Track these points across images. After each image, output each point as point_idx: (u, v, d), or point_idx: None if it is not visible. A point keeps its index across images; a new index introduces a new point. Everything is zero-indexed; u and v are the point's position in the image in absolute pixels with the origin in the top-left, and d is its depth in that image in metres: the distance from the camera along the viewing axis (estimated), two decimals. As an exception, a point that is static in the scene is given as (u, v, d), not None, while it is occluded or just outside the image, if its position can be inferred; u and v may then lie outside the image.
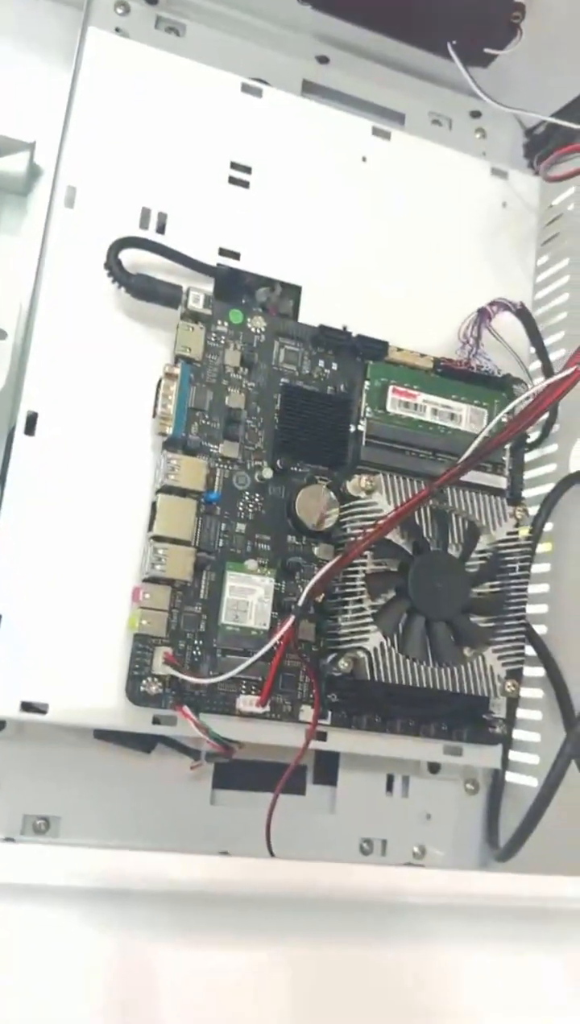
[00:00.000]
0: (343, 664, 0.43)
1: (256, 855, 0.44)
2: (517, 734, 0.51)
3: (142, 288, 0.44)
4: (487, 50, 0.53)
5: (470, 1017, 0.30)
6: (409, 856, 0.52)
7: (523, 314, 0.50)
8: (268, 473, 0.45)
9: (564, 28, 0.53)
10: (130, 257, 0.45)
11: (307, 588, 0.42)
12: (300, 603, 0.42)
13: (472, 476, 0.48)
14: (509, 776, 0.52)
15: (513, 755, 0.52)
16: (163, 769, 0.47)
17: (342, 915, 0.31)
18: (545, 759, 0.48)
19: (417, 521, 0.45)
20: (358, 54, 0.56)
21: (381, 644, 0.43)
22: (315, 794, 0.51)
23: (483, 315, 0.49)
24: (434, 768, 0.52)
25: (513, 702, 0.48)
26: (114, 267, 0.44)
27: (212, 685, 0.42)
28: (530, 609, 0.50)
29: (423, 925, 0.31)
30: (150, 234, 0.46)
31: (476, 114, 0.58)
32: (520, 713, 0.51)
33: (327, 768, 0.51)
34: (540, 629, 0.51)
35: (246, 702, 0.42)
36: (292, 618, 0.42)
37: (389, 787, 0.52)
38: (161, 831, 0.47)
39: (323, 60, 0.56)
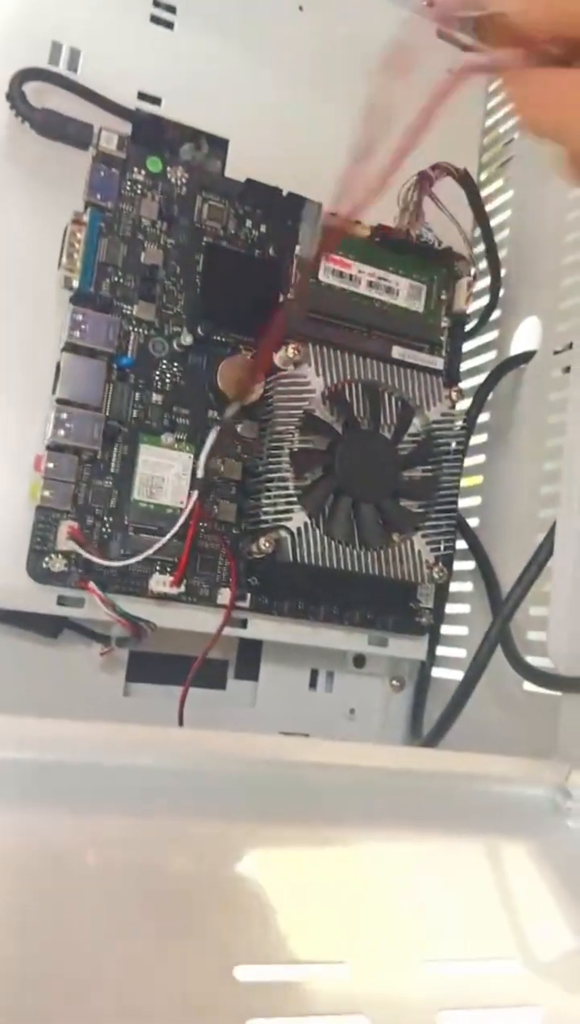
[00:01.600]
0: (264, 544, 0.40)
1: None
2: (445, 629, 0.49)
3: (49, 124, 0.39)
4: None
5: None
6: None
7: (466, 181, 0.46)
8: (187, 340, 0.41)
9: None
10: (37, 93, 0.40)
11: (204, 454, 0.39)
12: (199, 473, 0.39)
13: (407, 355, 0.45)
14: (436, 671, 0.50)
15: (440, 650, 0.50)
16: (71, 657, 0.44)
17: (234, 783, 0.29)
18: (473, 653, 0.47)
19: (347, 397, 0.43)
20: None
21: (305, 524, 0.40)
22: (236, 688, 0.49)
23: (424, 179, 0.45)
24: (359, 662, 0.50)
25: (441, 590, 0.47)
26: (17, 99, 0.39)
27: (123, 565, 0.39)
28: (463, 502, 0.48)
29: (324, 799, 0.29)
30: (61, 71, 0.41)
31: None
32: (448, 608, 0.49)
33: (249, 662, 0.49)
34: (473, 522, 0.49)
35: (159, 582, 0.40)
36: (195, 493, 0.39)
37: (313, 683, 0.50)
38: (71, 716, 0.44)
39: None
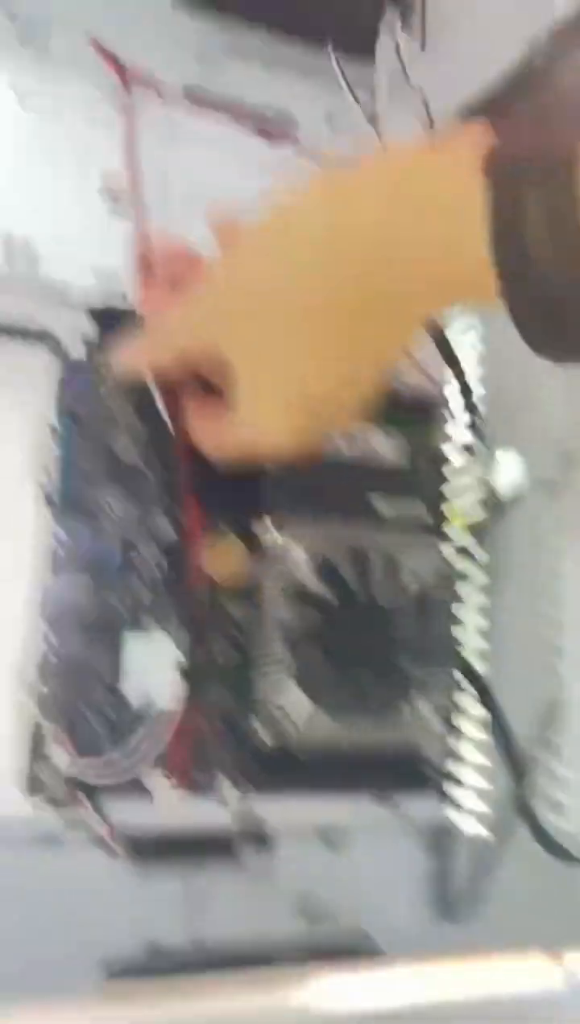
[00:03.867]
0: (263, 731, 0.39)
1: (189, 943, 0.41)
2: (463, 774, 0.48)
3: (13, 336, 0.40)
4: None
5: None
6: (355, 919, 0.49)
7: (434, 331, 0.46)
8: (169, 529, 0.41)
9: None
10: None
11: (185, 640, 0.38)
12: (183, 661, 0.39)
13: (390, 508, 0.45)
14: (455, 817, 0.49)
15: (454, 798, 0.48)
16: (75, 859, 0.42)
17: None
18: (493, 807, 0.45)
19: (335, 564, 0.42)
20: (241, 56, 0.52)
21: (305, 706, 0.39)
22: (247, 855, 0.47)
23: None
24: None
25: (450, 747, 0.45)
26: None
27: (116, 764, 0.38)
28: (470, 646, 0.47)
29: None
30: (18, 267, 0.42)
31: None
32: (460, 752, 0.47)
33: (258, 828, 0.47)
34: (480, 667, 0.48)
35: (159, 785, 0.39)
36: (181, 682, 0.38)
37: (328, 843, 0.49)
38: (79, 925, 0.43)
39: (205, 63, 0.52)
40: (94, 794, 0.37)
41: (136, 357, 0.37)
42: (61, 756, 0.37)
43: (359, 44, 0.49)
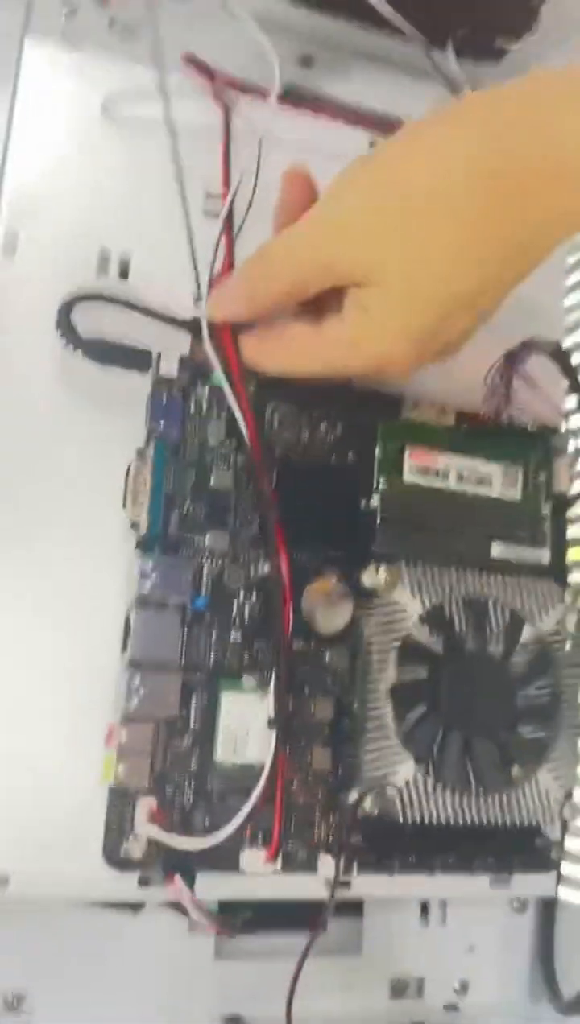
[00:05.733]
0: (368, 805, 0.35)
1: (272, 1019, 0.37)
2: (569, 843, 0.43)
3: (103, 353, 0.36)
4: (499, 44, 0.45)
5: None
6: (449, 995, 0.44)
7: (559, 355, 0.42)
8: (266, 566, 0.37)
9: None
10: (88, 312, 0.37)
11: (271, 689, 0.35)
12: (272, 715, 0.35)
13: (509, 552, 0.40)
14: (561, 893, 0.44)
15: (564, 868, 0.44)
16: (156, 925, 0.39)
17: None
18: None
19: (447, 614, 0.38)
20: (349, 53, 0.48)
21: (413, 775, 0.35)
22: (337, 930, 0.43)
23: (512, 360, 0.41)
24: (476, 893, 0.44)
25: (569, 820, 0.41)
26: (67, 330, 0.36)
27: (206, 834, 0.34)
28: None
29: None
30: (111, 281, 0.38)
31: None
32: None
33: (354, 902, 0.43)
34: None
35: (252, 859, 0.35)
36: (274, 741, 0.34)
37: (424, 912, 0.45)
38: (157, 995, 0.39)
39: (307, 62, 0.48)
40: (183, 868, 0.34)
41: (236, 302, 0.36)
42: (148, 826, 0.33)
43: (478, 47, 0.45)
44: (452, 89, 0.46)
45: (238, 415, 0.37)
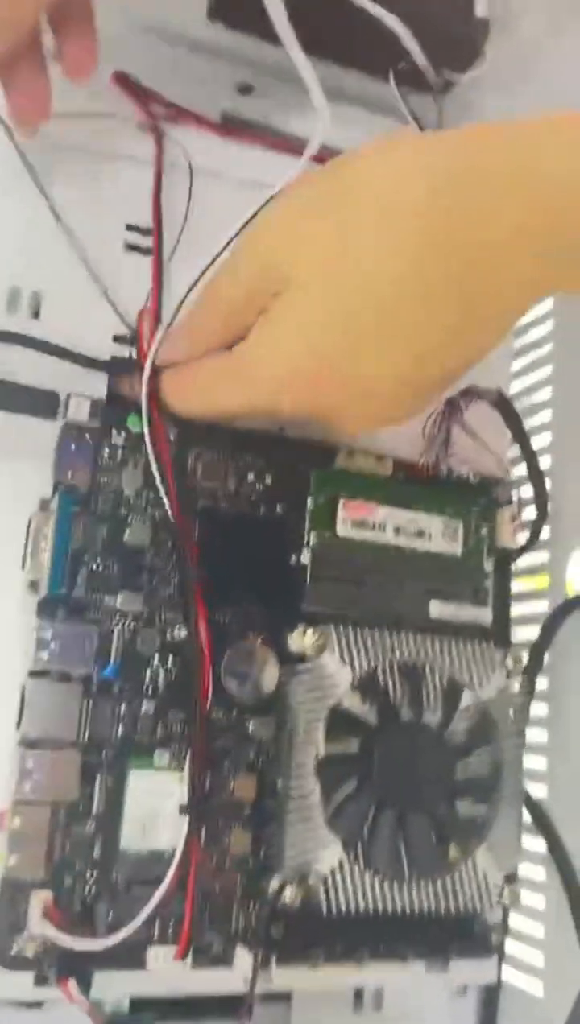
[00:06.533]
0: (289, 896, 0.32)
1: None
2: (514, 920, 0.40)
3: (7, 398, 0.33)
4: (446, 75, 0.43)
5: None
6: None
7: (501, 403, 0.39)
8: (184, 631, 0.34)
9: (534, 47, 0.44)
10: (-4, 352, 0.34)
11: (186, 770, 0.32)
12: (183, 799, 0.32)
13: (448, 611, 0.38)
14: (504, 975, 0.41)
15: (509, 947, 0.41)
16: (60, 1020, 0.35)
17: None
18: (550, 957, 0.38)
19: (381, 681, 0.35)
20: (288, 81, 0.46)
21: (339, 861, 0.32)
22: (264, 1018, 0.40)
23: (452, 408, 0.38)
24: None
25: (509, 901, 0.38)
26: (-35, 371, 0.33)
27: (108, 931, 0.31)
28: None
29: None
30: (21, 320, 0.35)
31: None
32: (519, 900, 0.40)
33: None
34: (537, 790, 0.41)
35: (159, 957, 0.31)
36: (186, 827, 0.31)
37: (358, 998, 0.41)
38: None
39: (245, 89, 0.46)
40: (79, 969, 0.30)
41: (176, 340, 0.34)
42: (42, 923, 0.30)
43: (422, 79, 0.43)
44: (400, 119, 0.44)
45: (153, 464, 0.33)
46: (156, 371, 0.34)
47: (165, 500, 0.34)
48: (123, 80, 0.38)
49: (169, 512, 0.34)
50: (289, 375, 0.30)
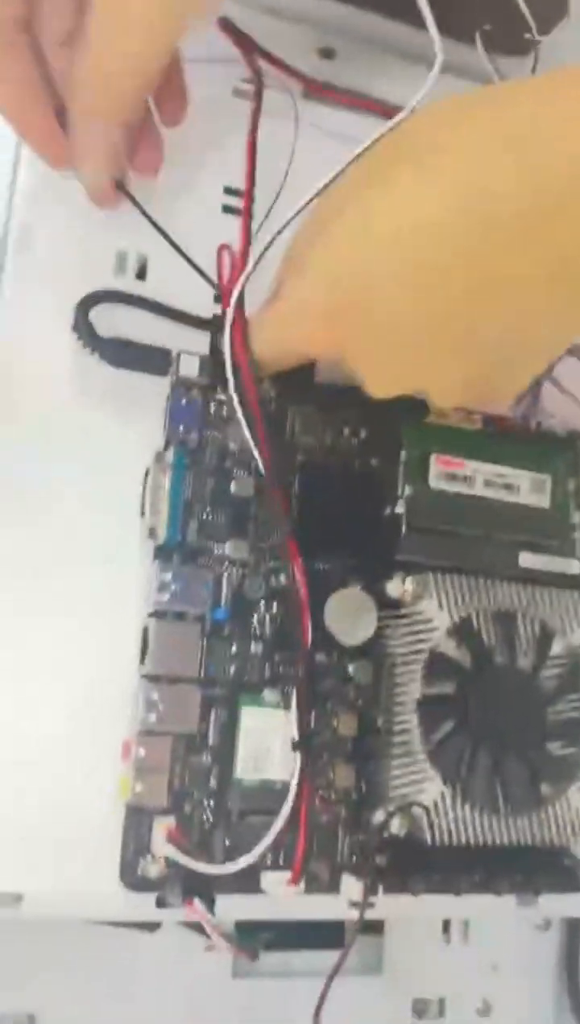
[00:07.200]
0: (396, 825, 0.34)
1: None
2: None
3: (121, 354, 0.35)
4: (527, 35, 0.44)
5: None
6: (472, 1016, 0.43)
7: (590, 358, 0.40)
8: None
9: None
10: (105, 313, 0.35)
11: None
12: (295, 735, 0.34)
13: (537, 562, 0.39)
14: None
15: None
16: (171, 945, 0.38)
17: None
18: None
19: (475, 627, 0.36)
20: (370, 45, 0.47)
21: (441, 794, 0.34)
22: (357, 948, 0.42)
23: (543, 363, 0.39)
24: (500, 911, 0.43)
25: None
26: (84, 330, 0.34)
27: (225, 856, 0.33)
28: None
29: None
30: (128, 282, 0.37)
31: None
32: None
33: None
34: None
35: (274, 882, 0.33)
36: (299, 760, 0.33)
37: (445, 930, 0.43)
38: (173, 1016, 0.38)
39: (328, 54, 0.47)
40: (202, 891, 0.32)
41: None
42: (166, 847, 0.32)
43: (509, 42, 0.43)
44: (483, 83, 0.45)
45: (243, 422, 0.34)
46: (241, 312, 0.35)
47: (255, 452, 0.35)
48: (228, 26, 0.39)
49: (260, 462, 0.35)
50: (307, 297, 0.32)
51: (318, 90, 0.42)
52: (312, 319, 0.31)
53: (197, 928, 0.37)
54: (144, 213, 0.35)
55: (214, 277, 0.37)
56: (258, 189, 0.39)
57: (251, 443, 0.34)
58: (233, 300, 0.35)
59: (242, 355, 0.34)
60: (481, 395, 0.32)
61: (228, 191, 0.39)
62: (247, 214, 0.38)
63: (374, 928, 0.42)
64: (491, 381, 0.31)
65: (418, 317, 0.29)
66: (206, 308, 0.37)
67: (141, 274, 0.37)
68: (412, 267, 0.28)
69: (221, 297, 0.36)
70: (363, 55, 0.47)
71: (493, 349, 0.29)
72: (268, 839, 0.32)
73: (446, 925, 0.43)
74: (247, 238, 0.37)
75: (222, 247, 0.37)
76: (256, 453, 0.34)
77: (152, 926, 0.36)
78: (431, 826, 0.34)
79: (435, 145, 0.28)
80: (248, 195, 0.38)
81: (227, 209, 0.39)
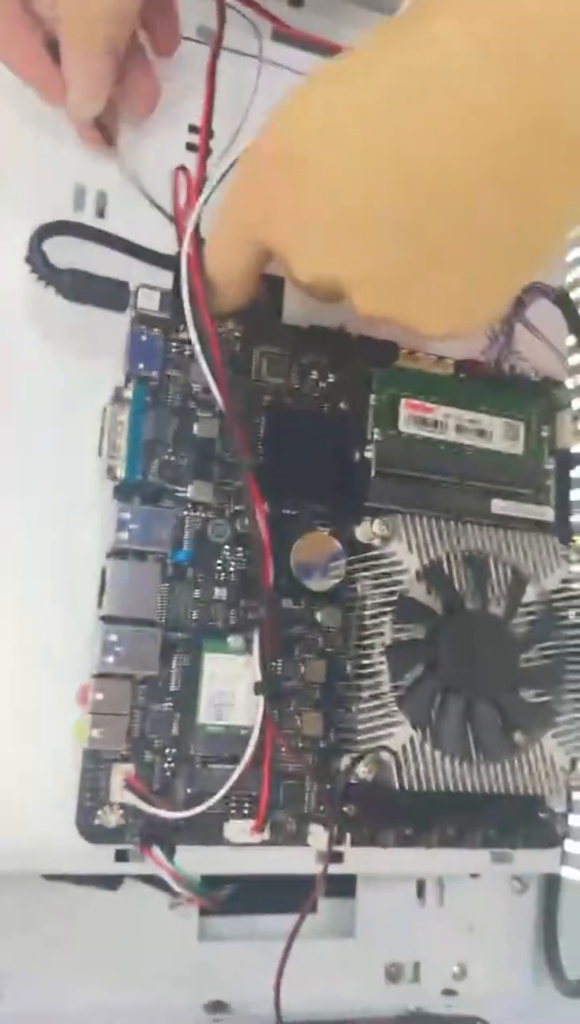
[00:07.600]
0: (363, 770, 0.33)
1: (258, 1003, 0.35)
2: (573, 820, 0.41)
3: (78, 287, 0.33)
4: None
5: None
6: (447, 980, 0.42)
7: (562, 300, 0.39)
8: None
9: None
10: (61, 248, 0.34)
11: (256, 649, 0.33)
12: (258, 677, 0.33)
13: (510, 508, 0.38)
14: (564, 872, 0.42)
15: (568, 846, 0.42)
16: (134, 904, 0.36)
17: None
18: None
19: (446, 571, 0.35)
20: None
21: (410, 739, 0.33)
22: (329, 911, 0.41)
23: (515, 305, 0.38)
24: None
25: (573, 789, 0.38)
26: (39, 262, 0.33)
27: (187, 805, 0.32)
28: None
29: None
30: (87, 218, 0.36)
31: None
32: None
33: (342, 876, 0.41)
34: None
35: (237, 830, 0.32)
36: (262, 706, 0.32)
37: (419, 892, 0.42)
38: (137, 979, 0.37)
39: (296, 2, 0.46)
40: (161, 839, 0.31)
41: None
42: (124, 793, 0.31)
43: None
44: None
45: (200, 356, 0.33)
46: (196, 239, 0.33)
47: (213, 387, 0.33)
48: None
49: (219, 401, 0.33)
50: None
51: (286, 29, 0.41)
52: (256, 165, 0.30)
53: (160, 884, 0.36)
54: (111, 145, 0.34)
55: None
56: (222, 127, 0.38)
57: (209, 378, 0.33)
58: (189, 225, 0.33)
59: (199, 284, 0.33)
60: (405, 309, 0.29)
61: (192, 129, 0.38)
62: (204, 148, 0.37)
63: (346, 889, 0.40)
64: (430, 294, 0.28)
65: (350, 195, 0.27)
66: (167, 248, 0.36)
67: (101, 212, 0.36)
68: (344, 145, 0.26)
69: (175, 220, 0.35)
70: (330, 3, 0.46)
71: (429, 253, 0.26)
72: (230, 781, 0.31)
73: (421, 888, 0.42)
74: (203, 171, 0.36)
75: (178, 168, 0.36)
76: (214, 389, 0.33)
77: (114, 883, 0.34)
78: (400, 771, 0.33)
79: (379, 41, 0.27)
80: (205, 130, 0.37)
81: (190, 147, 0.38)
